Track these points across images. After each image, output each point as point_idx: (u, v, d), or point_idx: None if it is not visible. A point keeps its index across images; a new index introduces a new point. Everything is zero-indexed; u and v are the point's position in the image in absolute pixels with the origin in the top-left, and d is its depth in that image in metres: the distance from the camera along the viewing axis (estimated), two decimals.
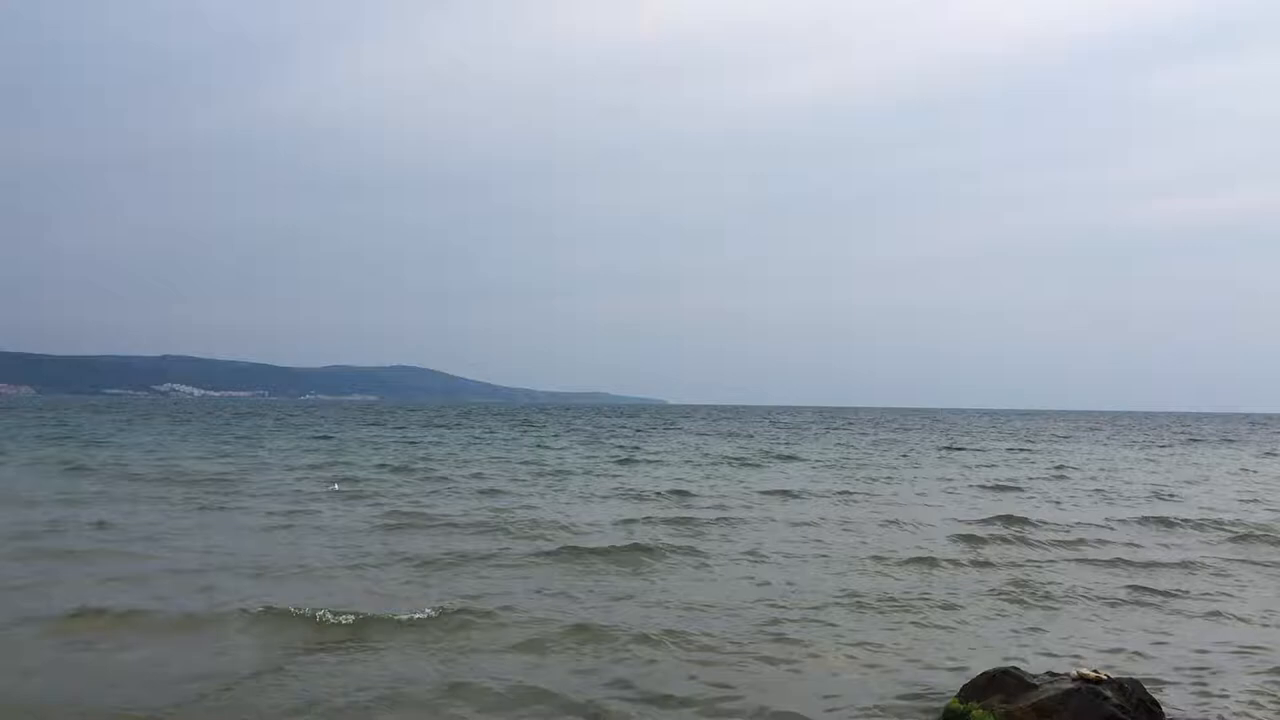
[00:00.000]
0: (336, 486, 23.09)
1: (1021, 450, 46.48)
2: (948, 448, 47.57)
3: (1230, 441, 62.41)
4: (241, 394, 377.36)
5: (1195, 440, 63.71)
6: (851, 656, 9.00)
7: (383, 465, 29.82)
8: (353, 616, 9.66)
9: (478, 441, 46.83)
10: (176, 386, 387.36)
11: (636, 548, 14.17)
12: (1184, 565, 14.03)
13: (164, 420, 69.84)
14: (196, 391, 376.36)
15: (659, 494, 22.02)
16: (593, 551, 13.85)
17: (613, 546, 14.20)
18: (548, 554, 13.72)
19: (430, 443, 44.73)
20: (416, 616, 9.82)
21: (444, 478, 25.58)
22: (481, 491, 21.85)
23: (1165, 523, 18.59)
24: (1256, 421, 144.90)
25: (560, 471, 28.75)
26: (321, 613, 9.68)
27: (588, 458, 35.89)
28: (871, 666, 8.73)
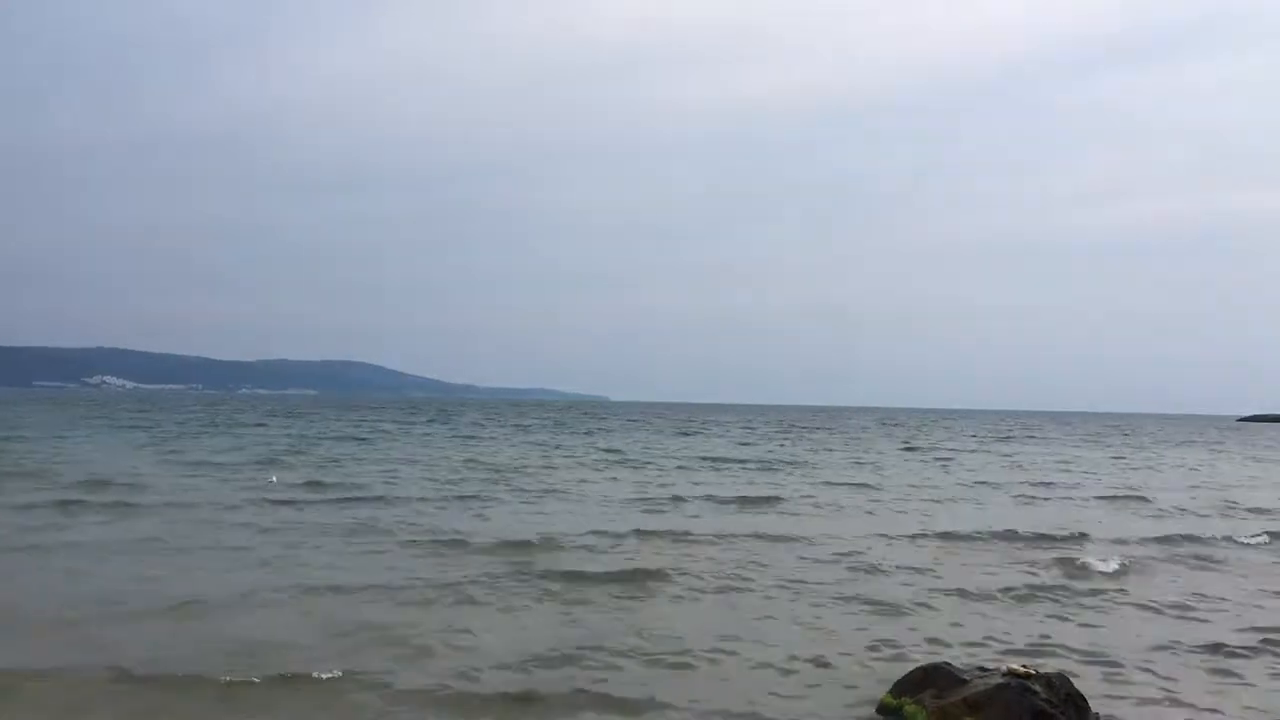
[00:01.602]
0: (275, 479, 22.45)
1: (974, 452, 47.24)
2: (908, 447, 48.33)
3: (1126, 435, 64.22)
4: (175, 387, 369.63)
5: (1130, 436, 65.44)
6: (792, 655, 9.02)
7: (313, 462, 29.06)
8: (206, 679, 7.60)
9: (421, 438, 46.34)
10: (108, 379, 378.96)
11: (632, 571, 12.40)
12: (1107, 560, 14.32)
13: (89, 414, 67.95)
14: (129, 384, 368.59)
15: (626, 500, 20.97)
16: (565, 575, 12.08)
17: (586, 572, 12.34)
18: (497, 579, 11.81)
19: (365, 438, 44.13)
20: (318, 676, 7.80)
21: (377, 478, 24.64)
22: (424, 499, 20.04)
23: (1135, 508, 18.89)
24: (1174, 421, 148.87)
25: (509, 470, 27.95)
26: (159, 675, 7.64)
27: (539, 454, 35.50)
28: (811, 663, 8.76)
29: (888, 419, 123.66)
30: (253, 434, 45.37)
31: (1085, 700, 7.27)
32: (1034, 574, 13.32)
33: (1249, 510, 22.30)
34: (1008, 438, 66.28)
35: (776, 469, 31.82)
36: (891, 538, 16.22)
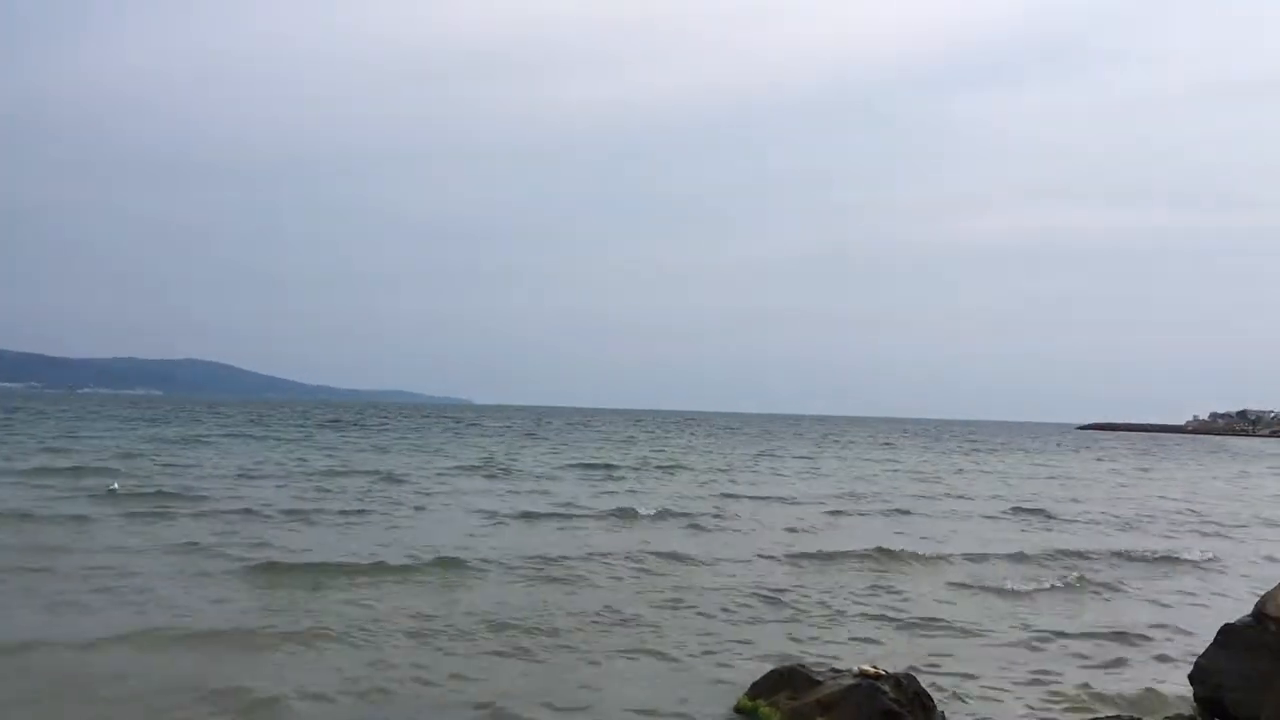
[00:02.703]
0: (116, 485, 21.05)
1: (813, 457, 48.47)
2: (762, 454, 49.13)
3: (980, 441, 67.43)
4: (10, 385, 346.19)
5: (977, 444, 68.51)
6: (652, 659, 9.03)
7: (157, 469, 27.28)
8: None
9: (277, 442, 44.63)
10: None
11: (498, 605, 11.14)
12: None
13: None
14: None
15: (494, 512, 19.68)
16: (422, 610, 10.79)
17: (442, 614, 10.78)
18: (342, 614, 10.51)
19: (217, 442, 42.25)
20: None
21: (226, 488, 23.28)
22: (279, 511, 18.51)
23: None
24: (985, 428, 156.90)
25: (371, 478, 26.57)
26: None
27: (405, 461, 34.47)
28: (669, 670, 8.79)
29: (745, 423, 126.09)
30: (93, 436, 42.73)
31: (931, 700, 7.54)
32: (906, 590, 13.14)
33: (1144, 519, 23.00)
34: (854, 443, 68.54)
35: (644, 476, 31.74)
36: (755, 556, 15.49)
